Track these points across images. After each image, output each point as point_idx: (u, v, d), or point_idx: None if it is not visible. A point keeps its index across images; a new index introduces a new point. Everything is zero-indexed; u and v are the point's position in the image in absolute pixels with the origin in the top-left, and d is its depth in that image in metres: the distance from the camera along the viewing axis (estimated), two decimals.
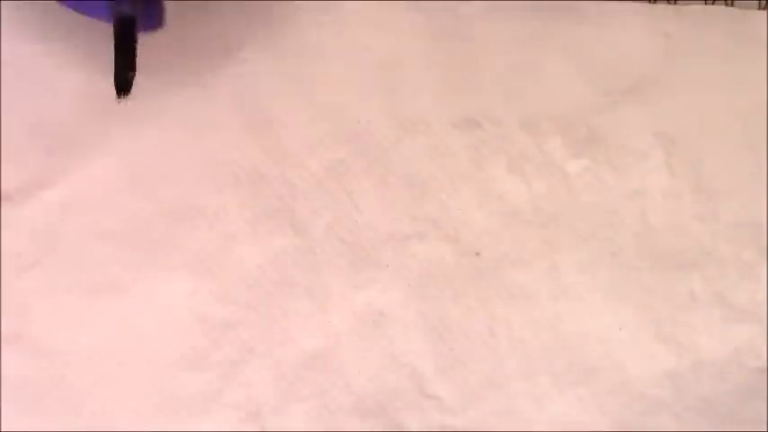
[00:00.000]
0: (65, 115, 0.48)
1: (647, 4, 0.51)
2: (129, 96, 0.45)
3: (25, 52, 0.49)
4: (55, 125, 0.47)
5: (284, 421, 0.42)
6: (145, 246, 0.45)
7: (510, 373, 0.43)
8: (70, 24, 0.50)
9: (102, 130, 0.48)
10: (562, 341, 0.44)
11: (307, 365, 0.43)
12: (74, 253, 0.45)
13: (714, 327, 0.44)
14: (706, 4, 0.51)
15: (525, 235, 0.46)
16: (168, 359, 0.43)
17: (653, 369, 0.43)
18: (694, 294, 0.45)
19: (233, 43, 0.50)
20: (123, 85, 0.45)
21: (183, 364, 0.43)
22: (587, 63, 0.50)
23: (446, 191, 0.47)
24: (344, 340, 0.44)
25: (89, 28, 0.50)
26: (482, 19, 0.50)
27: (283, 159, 0.47)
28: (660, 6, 0.51)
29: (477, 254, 0.46)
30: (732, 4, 0.51)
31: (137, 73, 0.47)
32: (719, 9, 0.51)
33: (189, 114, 0.48)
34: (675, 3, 0.51)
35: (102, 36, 0.50)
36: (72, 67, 0.49)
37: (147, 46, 0.50)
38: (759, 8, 0.51)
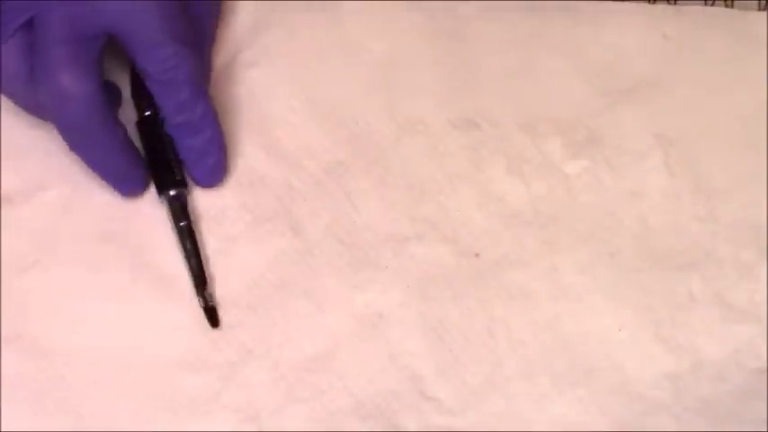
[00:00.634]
0: None
1: (646, 5, 0.51)
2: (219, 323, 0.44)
3: None
4: (54, 126, 0.47)
5: (283, 423, 0.42)
6: (144, 247, 0.45)
7: (509, 373, 0.43)
8: None
9: None
10: (561, 342, 0.44)
11: (306, 367, 0.43)
12: (74, 253, 0.45)
13: (713, 327, 0.44)
14: (706, 4, 0.51)
15: (524, 236, 0.46)
16: (167, 360, 0.43)
17: (652, 370, 0.43)
18: (694, 295, 0.45)
19: (232, 43, 0.50)
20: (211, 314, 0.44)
21: (181, 365, 0.43)
22: (586, 64, 0.50)
23: (445, 192, 0.47)
24: (343, 341, 0.44)
25: None
26: (481, 19, 0.50)
27: (282, 160, 0.47)
28: (659, 6, 0.51)
29: (477, 255, 0.46)
30: (732, 5, 0.51)
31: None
32: (719, 10, 0.51)
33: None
34: (675, 3, 0.51)
35: None
36: None
37: None
38: (759, 9, 0.51)
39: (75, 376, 0.43)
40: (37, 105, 0.43)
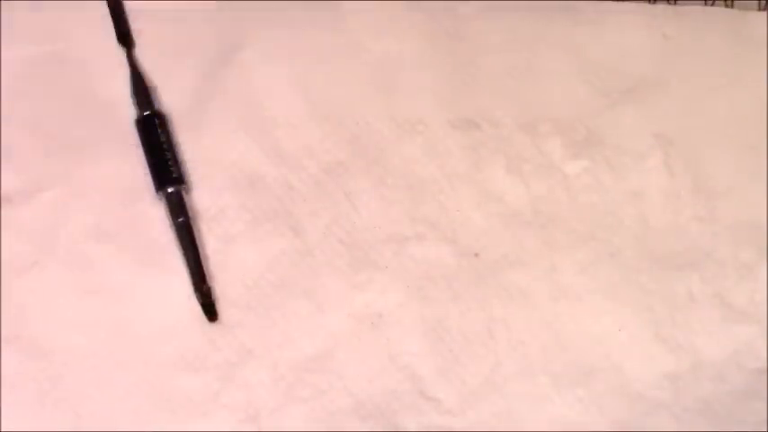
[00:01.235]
0: (65, 116, 0.48)
1: (646, 5, 0.51)
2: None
3: (25, 52, 0.49)
4: (55, 126, 0.47)
5: (283, 423, 0.42)
6: (144, 247, 0.45)
7: (509, 373, 0.43)
8: (70, 24, 0.50)
9: (102, 131, 0.48)
10: (561, 342, 0.44)
11: (305, 367, 0.43)
12: (73, 254, 0.45)
13: (713, 327, 0.44)
14: (705, 4, 0.51)
15: (524, 236, 0.46)
16: (167, 360, 0.43)
17: (652, 370, 0.43)
18: (693, 295, 0.45)
19: (232, 43, 0.50)
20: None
21: (181, 365, 0.43)
22: (586, 64, 0.50)
23: (445, 192, 0.47)
24: (343, 342, 0.44)
25: (89, 28, 0.50)
26: (481, 19, 0.50)
27: (282, 161, 0.47)
28: (659, 7, 0.51)
29: (476, 255, 0.46)
30: (732, 5, 0.51)
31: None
32: (719, 10, 0.51)
33: (188, 115, 0.48)
34: (675, 3, 0.51)
35: (102, 36, 0.50)
36: (72, 67, 0.49)
37: (147, 46, 0.50)
38: (759, 9, 0.51)
39: (75, 376, 0.43)
40: None
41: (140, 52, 0.49)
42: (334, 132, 0.48)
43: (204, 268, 0.44)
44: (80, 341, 0.43)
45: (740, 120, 0.49)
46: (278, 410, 0.42)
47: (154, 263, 0.45)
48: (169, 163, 0.46)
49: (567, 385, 0.43)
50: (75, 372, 0.43)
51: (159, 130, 0.46)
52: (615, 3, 0.51)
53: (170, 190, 0.45)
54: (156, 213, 0.46)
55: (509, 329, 0.44)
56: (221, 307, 0.44)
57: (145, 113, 0.46)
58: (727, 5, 0.51)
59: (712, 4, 0.51)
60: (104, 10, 0.50)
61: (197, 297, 0.44)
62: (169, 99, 0.48)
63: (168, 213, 0.45)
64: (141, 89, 0.46)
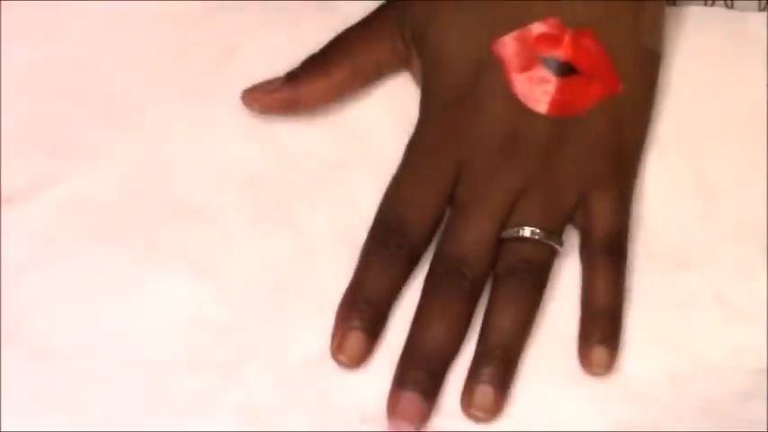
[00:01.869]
0: (64, 116, 0.48)
1: None
2: None
3: (25, 52, 0.49)
4: (54, 126, 0.47)
5: (283, 423, 0.42)
6: (144, 247, 0.45)
7: None
8: (70, 24, 0.50)
9: (102, 131, 0.48)
10: (561, 341, 0.44)
11: (306, 367, 0.43)
12: (73, 254, 0.45)
13: (714, 327, 0.44)
14: (706, 4, 0.51)
15: None
16: (167, 360, 0.43)
17: (652, 369, 0.43)
18: (694, 294, 0.45)
19: (232, 43, 0.50)
20: None
21: (181, 365, 0.43)
22: None
23: None
24: None
25: (89, 28, 0.50)
26: None
27: (282, 160, 0.47)
28: None
29: None
30: (732, 6, 0.51)
31: (136, 74, 0.47)
32: (719, 10, 0.51)
33: (188, 115, 0.48)
34: (675, 3, 0.51)
35: (102, 36, 0.50)
36: (72, 67, 0.49)
37: (147, 46, 0.50)
38: (759, 9, 0.51)
39: (75, 376, 0.42)
40: None
41: (140, 52, 0.49)
42: (335, 132, 0.48)
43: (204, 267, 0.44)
44: (80, 341, 0.43)
45: (740, 120, 0.49)
46: (278, 410, 0.42)
47: (153, 263, 0.45)
48: None
49: (567, 385, 0.43)
50: (75, 372, 0.42)
51: None
52: None
53: None
54: (156, 213, 0.46)
55: None
56: (221, 307, 0.44)
57: None
58: (727, 6, 0.51)
59: (712, 5, 0.51)
60: (104, 10, 0.50)
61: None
62: (169, 99, 0.48)
63: None
64: None
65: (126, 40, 0.50)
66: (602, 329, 0.43)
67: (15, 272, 0.44)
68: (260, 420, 0.42)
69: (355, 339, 0.42)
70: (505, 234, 0.44)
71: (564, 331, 0.44)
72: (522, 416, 0.42)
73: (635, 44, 0.45)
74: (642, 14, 0.45)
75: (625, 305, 0.44)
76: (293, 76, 0.47)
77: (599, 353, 0.42)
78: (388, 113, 0.48)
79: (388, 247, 0.44)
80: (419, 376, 0.42)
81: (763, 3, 0.51)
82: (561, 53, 0.44)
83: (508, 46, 0.44)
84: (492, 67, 0.44)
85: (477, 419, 0.42)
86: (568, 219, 0.45)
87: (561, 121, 0.44)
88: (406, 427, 0.41)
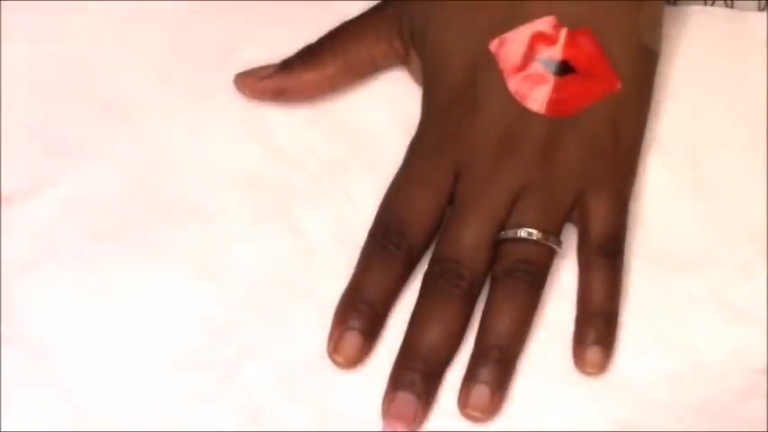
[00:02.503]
0: (64, 116, 0.48)
1: None
2: None
3: (25, 52, 0.49)
4: (54, 126, 0.47)
5: (283, 422, 0.42)
6: (144, 247, 0.45)
7: None
8: (70, 24, 0.50)
9: (102, 131, 0.48)
10: (561, 342, 0.44)
11: (306, 367, 0.43)
12: (73, 253, 0.45)
13: (713, 327, 0.44)
14: (705, 4, 0.51)
15: None
16: (167, 360, 0.43)
17: (652, 370, 0.43)
18: (693, 295, 0.45)
19: (232, 43, 0.50)
20: None
21: (181, 364, 0.43)
22: None
23: None
24: None
25: (89, 28, 0.50)
26: None
27: (282, 160, 0.47)
28: None
29: None
30: (732, 6, 0.51)
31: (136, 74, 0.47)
32: (719, 10, 0.51)
33: (188, 115, 0.48)
34: (675, 3, 0.51)
35: (102, 36, 0.50)
36: (72, 67, 0.49)
37: (147, 46, 0.50)
38: (759, 9, 0.51)
39: (76, 376, 0.42)
40: None
41: (140, 52, 0.49)
42: (334, 132, 0.48)
43: (204, 267, 0.44)
44: (80, 341, 0.43)
45: (740, 120, 0.49)
46: (278, 410, 0.42)
47: (153, 263, 0.45)
48: None
49: (568, 385, 0.43)
50: (75, 372, 0.43)
51: None
52: None
53: None
54: (156, 213, 0.46)
55: None
56: (221, 307, 0.44)
57: None
58: (727, 6, 0.51)
59: (712, 4, 0.51)
60: (104, 9, 0.50)
61: None
62: (168, 99, 0.48)
63: None
64: None
65: (126, 39, 0.50)
66: (596, 330, 0.43)
67: (15, 272, 0.44)
68: (260, 420, 0.42)
69: (352, 340, 0.42)
70: (503, 235, 0.44)
71: (563, 331, 0.44)
72: (521, 416, 0.42)
73: (632, 43, 0.45)
74: (640, 13, 0.45)
75: (625, 305, 0.44)
76: (287, 65, 0.47)
77: (593, 353, 0.42)
78: (388, 113, 0.48)
79: (388, 248, 0.44)
80: (414, 377, 0.42)
81: (763, 3, 0.51)
82: (558, 52, 0.44)
83: (504, 45, 0.44)
84: (489, 67, 0.44)
85: (473, 420, 0.42)
86: (566, 218, 0.45)
87: (558, 120, 0.44)
88: (400, 427, 0.41)
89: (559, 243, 0.44)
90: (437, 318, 0.42)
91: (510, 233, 0.43)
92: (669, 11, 0.50)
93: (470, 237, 0.43)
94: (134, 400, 0.42)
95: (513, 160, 0.44)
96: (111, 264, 0.45)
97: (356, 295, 0.43)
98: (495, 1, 0.45)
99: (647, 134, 0.47)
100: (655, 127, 0.48)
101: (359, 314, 0.43)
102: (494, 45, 0.44)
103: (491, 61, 0.44)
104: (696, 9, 0.51)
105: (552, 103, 0.44)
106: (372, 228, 0.45)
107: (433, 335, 0.42)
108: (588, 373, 0.43)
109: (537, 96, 0.44)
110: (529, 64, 0.44)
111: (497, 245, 0.44)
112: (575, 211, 0.44)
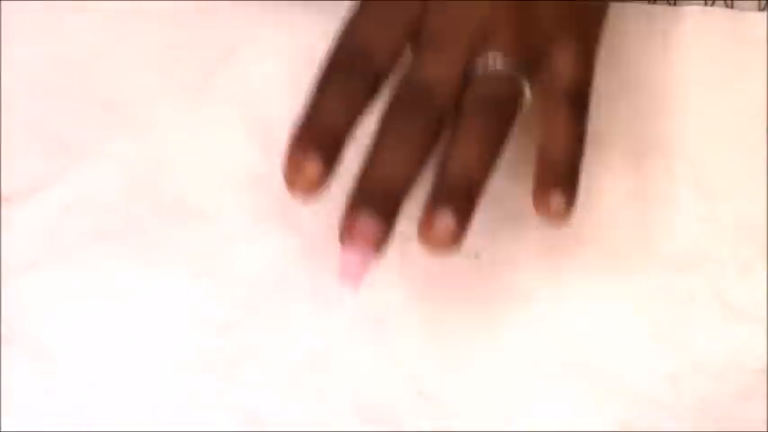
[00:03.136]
0: (64, 116, 0.48)
1: (646, 5, 0.51)
2: None
3: (25, 52, 0.49)
4: (54, 126, 0.48)
5: (283, 422, 0.42)
6: (144, 247, 0.45)
7: (509, 374, 0.43)
8: (70, 24, 0.50)
9: (102, 132, 0.48)
10: (561, 342, 0.44)
11: (306, 367, 0.43)
12: (73, 254, 0.45)
13: (713, 327, 0.44)
14: (705, 4, 0.51)
15: (525, 236, 0.46)
16: (167, 360, 0.43)
17: (652, 370, 0.43)
18: (693, 295, 0.45)
19: (231, 43, 0.50)
20: None
21: (182, 365, 0.43)
22: None
23: None
24: (343, 342, 0.44)
25: (89, 28, 0.50)
26: None
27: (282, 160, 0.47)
28: (659, 6, 0.51)
29: (477, 255, 0.46)
30: (732, 6, 0.51)
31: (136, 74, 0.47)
32: (719, 10, 0.51)
33: (188, 115, 0.48)
34: (675, 3, 0.51)
35: (102, 36, 0.50)
36: (72, 67, 0.49)
37: (147, 46, 0.50)
38: (759, 9, 0.51)
39: (76, 376, 0.43)
40: None
41: (140, 52, 0.50)
42: None
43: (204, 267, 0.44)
44: (80, 341, 0.43)
45: (740, 120, 0.49)
46: (278, 410, 0.42)
47: (154, 263, 0.45)
48: None
49: (567, 385, 0.43)
50: (75, 372, 0.43)
51: None
52: (615, 3, 0.51)
53: None
54: (156, 213, 0.46)
55: (509, 329, 0.44)
56: (221, 307, 0.44)
57: None
58: (727, 6, 0.51)
59: (712, 4, 0.51)
60: (104, 10, 0.50)
61: None
62: (168, 99, 0.49)
63: None
64: None
65: (126, 39, 0.50)
66: (561, 176, 0.41)
67: (15, 272, 0.44)
68: (260, 420, 0.42)
69: (313, 167, 0.39)
70: (473, 68, 0.41)
71: (563, 332, 0.44)
72: (521, 416, 0.42)
73: None
74: None
75: (625, 305, 0.44)
76: None
77: (557, 199, 0.40)
78: None
79: (351, 74, 0.40)
80: (376, 199, 0.39)
81: (763, 3, 0.51)
82: None
83: None
84: None
85: (434, 249, 0.39)
86: (535, 61, 0.42)
87: None
88: (360, 248, 0.38)
89: (529, 79, 0.41)
90: (403, 142, 0.39)
91: (480, 66, 0.41)
92: (669, 11, 0.50)
93: (442, 65, 0.41)
94: (134, 400, 0.42)
95: None
96: (112, 264, 0.45)
97: (314, 122, 0.40)
98: None
99: (647, 134, 0.48)
100: (655, 127, 0.48)
101: (319, 141, 0.39)
102: None
103: None
104: (696, 9, 0.51)
105: None
106: (331, 55, 0.41)
107: (398, 159, 0.39)
108: (551, 223, 0.40)
109: None
110: None
111: (466, 79, 0.41)
112: (541, 61, 0.42)
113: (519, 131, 0.41)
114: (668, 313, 0.44)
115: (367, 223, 0.38)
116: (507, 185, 0.47)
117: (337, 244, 0.45)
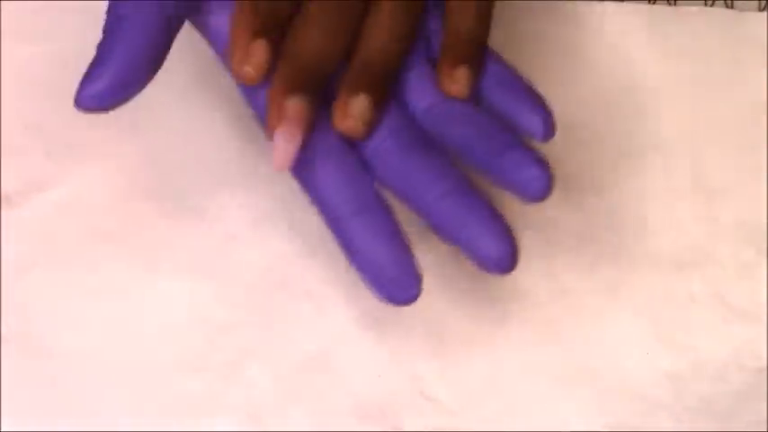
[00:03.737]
0: (64, 116, 0.48)
1: (646, 5, 0.51)
2: None
3: (25, 52, 0.49)
4: (54, 126, 0.48)
5: (283, 423, 0.42)
6: (144, 247, 0.45)
7: (509, 373, 0.43)
8: (70, 24, 0.50)
9: (102, 132, 0.48)
10: (561, 342, 0.44)
11: (306, 367, 0.43)
12: (73, 254, 0.45)
13: (713, 327, 0.44)
14: (705, 4, 0.51)
15: (524, 236, 0.46)
16: (167, 360, 0.43)
17: (652, 370, 0.43)
18: (693, 295, 0.45)
19: None
20: None
21: (182, 365, 0.43)
22: (586, 64, 0.50)
23: None
24: (343, 341, 0.44)
25: (89, 28, 0.50)
26: None
27: None
28: (659, 6, 0.51)
29: None
30: (732, 6, 0.51)
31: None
32: (719, 10, 0.51)
33: (188, 115, 0.48)
34: (675, 3, 0.51)
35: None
36: (72, 67, 0.49)
37: None
38: (759, 9, 0.51)
39: (75, 376, 0.43)
40: None
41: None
42: None
43: (204, 268, 0.44)
44: (80, 341, 0.43)
45: (740, 120, 0.49)
46: (278, 410, 0.42)
47: (154, 263, 0.45)
48: None
49: (567, 385, 0.43)
50: (75, 372, 0.43)
51: None
52: (615, 3, 0.51)
53: None
54: (156, 213, 0.46)
55: (509, 329, 0.44)
56: (221, 307, 0.44)
57: None
58: (727, 6, 0.51)
59: (712, 5, 0.51)
60: (104, 9, 0.50)
61: None
62: (168, 99, 0.48)
63: None
64: None
65: None
66: (467, 51, 0.41)
67: (15, 272, 0.44)
68: (260, 420, 0.42)
69: (261, 50, 0.39)
70: None
71: (564, 331, 0.44)
72: (521, 416, 0.42)
73: None
74: None
75: (625, 305, 0.44)
76: None
77: (462, 71, 0.40)
78: None
79: None
80: (300, 81, 0.39)
81: (763, 3, 0.51)
82: None
83: None
84: None
85: (351, 131, 0.39)
86: None
87: None
88: (292, 132, 0.38)
89: None
90: (326, 19, 0.40)
91: None
92: (670, 11, 0.50)
93: None
94: (134, 400, 0.42)
95: None
96: (111, 264, 0.45)
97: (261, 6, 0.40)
98: None
99: (647, 134, 0.48)
100: (655, 127, 0.48)
101: (263, 29, 0.40)
102: None
103: None
104: (696, 9, 0.51)
105: None
106: None
107: (318, 37, 0.40)
108: (452, 92, 0.40)
109: None
110: None
111: None
112: None
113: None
114: (668, 313, 0.44)
115: (294, 107, 0.39)
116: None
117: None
